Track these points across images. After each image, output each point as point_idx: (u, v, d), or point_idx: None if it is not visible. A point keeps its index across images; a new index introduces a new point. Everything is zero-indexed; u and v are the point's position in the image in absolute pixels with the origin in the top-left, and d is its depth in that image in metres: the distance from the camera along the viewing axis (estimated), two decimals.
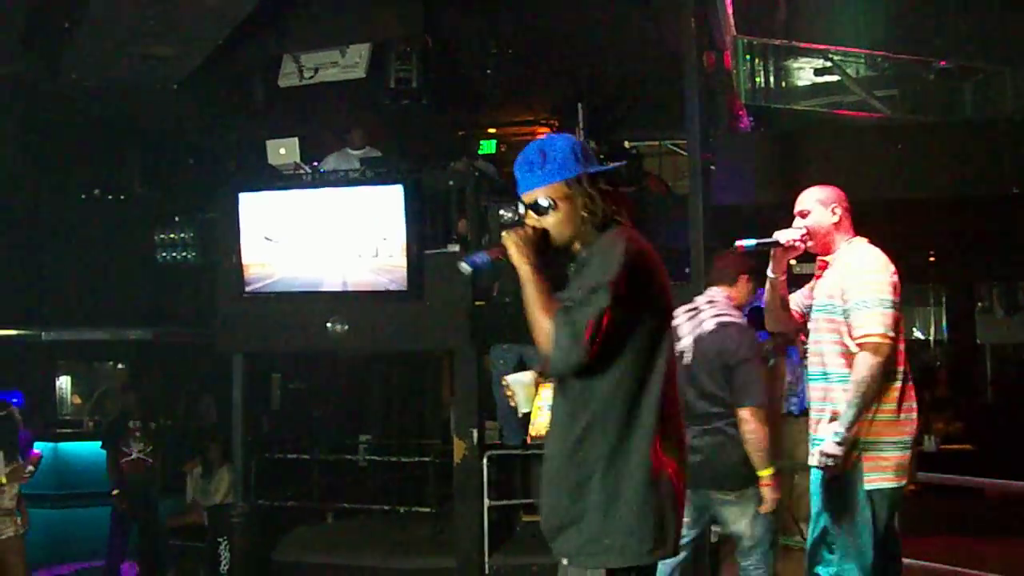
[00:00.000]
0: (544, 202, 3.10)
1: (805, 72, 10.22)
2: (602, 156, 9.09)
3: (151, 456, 10.05)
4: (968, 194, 8.34)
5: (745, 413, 4.79)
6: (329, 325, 8.97)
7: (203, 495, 10.29)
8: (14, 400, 8.60)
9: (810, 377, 4.21)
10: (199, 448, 10.67)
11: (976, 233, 10.12)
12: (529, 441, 2.99)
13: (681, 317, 5.06)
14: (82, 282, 12.19)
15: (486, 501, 8.55)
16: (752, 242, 4.21)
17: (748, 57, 9.84)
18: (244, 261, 9.17)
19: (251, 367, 9.69)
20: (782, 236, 4.17)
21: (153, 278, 11.44)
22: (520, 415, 3.40)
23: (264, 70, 10.94)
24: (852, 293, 3.99)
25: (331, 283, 8.98)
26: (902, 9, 9.79)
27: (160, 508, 10.28)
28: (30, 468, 7.84)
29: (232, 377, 9.55)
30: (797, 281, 4.45)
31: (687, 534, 4.87)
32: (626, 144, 11.64)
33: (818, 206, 4.20)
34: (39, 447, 8.41)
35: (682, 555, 4.84)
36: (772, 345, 6.91)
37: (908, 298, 15.91)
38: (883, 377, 3.93)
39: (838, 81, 10.15)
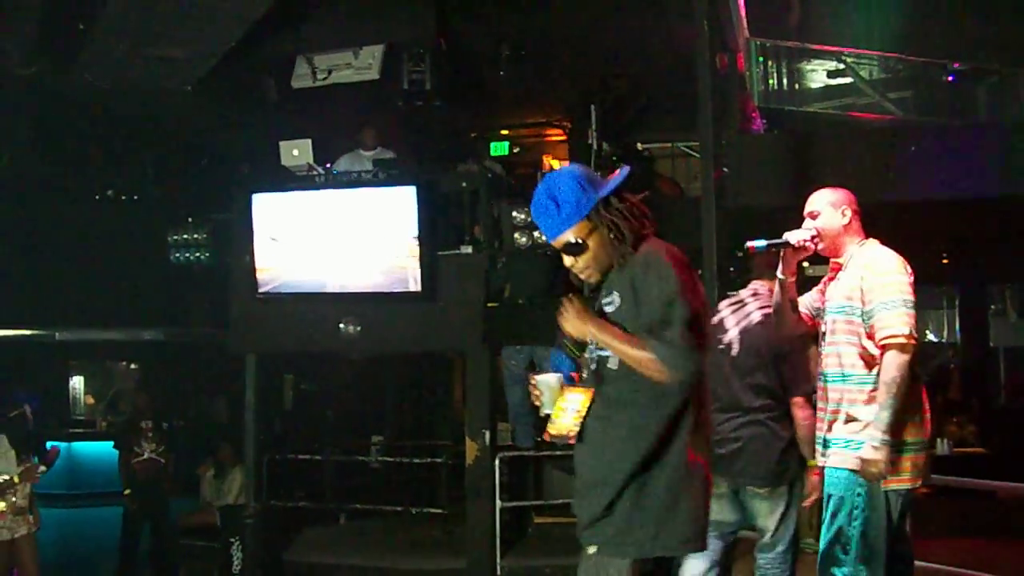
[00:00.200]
0: (575, 242, 3.22)
1: (818, 74, 10.19)
2: (615, 157, 9.13)
3: (163, 456, 10.08)
4: (982, 196, 8.31)
5: (800, 400, 4.84)
6: (342, 326, 8.98)
7: (215, 495, 10.32)
8: (31, 403, 8.64)
9: (826, 378, 4.21)
10: (211, 449, 10.70)
11: (989, 235, 10.09)
12: (547, 439, 3.02)
13: (725, 310, 5.16)
14: (95, 282, 12.22)
15: (498, 502, 8.56)
16: (763, 243, 4.22)
17: (761, 59, 9.81)
18: (257, 262, 9.19)
19: (264, 368, 9.71)
20: (792, 237, 4.18)
21: (166, 279, 11.47)
22: (542, 415, 3.43)
23: (277, 72, 10.95)
24: (875, 294, 3.99)
25: (344, 284, 8.99)
26: (915, 11, 9.75)
27: (172, 508, 10.31)
28: (42, 468, 7.86)
29: (245, 378, 9.57)
30: (807, 285, 4.46)
31: (731, 522, 4.99)
32: (639, 146, 11.65)
33: (828, 208, 4.21)
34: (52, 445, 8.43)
35: (722, 544, 4.97)
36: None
37: (921, 300, 15.83)
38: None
39: (851, 83, 10.11)
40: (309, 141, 9.51)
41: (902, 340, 3.90)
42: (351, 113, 10.94)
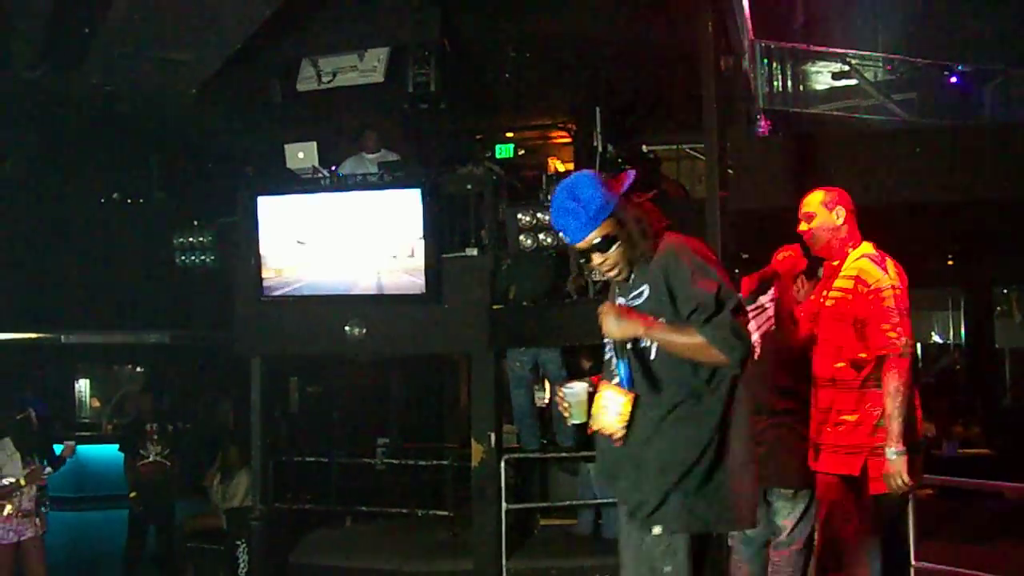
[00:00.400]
0: (603, 239, 3.27)
1: (823, 76, 10.19)
2: (619, 160, 9.13)
3: (168, 459, 10.10)
4: (986, 198, 8.31)
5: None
6: (347, 328, 8.99)
7: (221, 498, 10.33)
8: (37, 406, 8.66)
9: (817, 383, 4.22)
10: (217, 452, 10.70)
11: (994, 237, 10.09)
12: (589, 432, 3.03)
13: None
14: (101, 286, 12.24)
15: (504, 505, 8.55)
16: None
17: (766, 61, 9.80)
18: (262, 265, 9.21)
19: (269, 370, 9.71)
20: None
21: (172, 282, 11.45)
22: (568, 424, 3.45)
23: (283, 74, 10.97)
24: (867, 305, 4.00)
25: (349, 286, 9.01)
26: (920, 12, 9.75)
27: (177, 511, 10.32)
28: (48, 470, 7.88)
29: (250, 380, 9.57)
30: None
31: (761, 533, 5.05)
32: (644, 148, 11.64)
33: (822, 209, 4.24)
34: (60, 449, 8.44)
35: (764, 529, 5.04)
36: None
37: (926, 302, 15.88)
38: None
39: (856, 85, 10.11)
40: (314, 144, 9.51)
41: (899, 348, 3.91)
42: (356, 116, 10.95)
